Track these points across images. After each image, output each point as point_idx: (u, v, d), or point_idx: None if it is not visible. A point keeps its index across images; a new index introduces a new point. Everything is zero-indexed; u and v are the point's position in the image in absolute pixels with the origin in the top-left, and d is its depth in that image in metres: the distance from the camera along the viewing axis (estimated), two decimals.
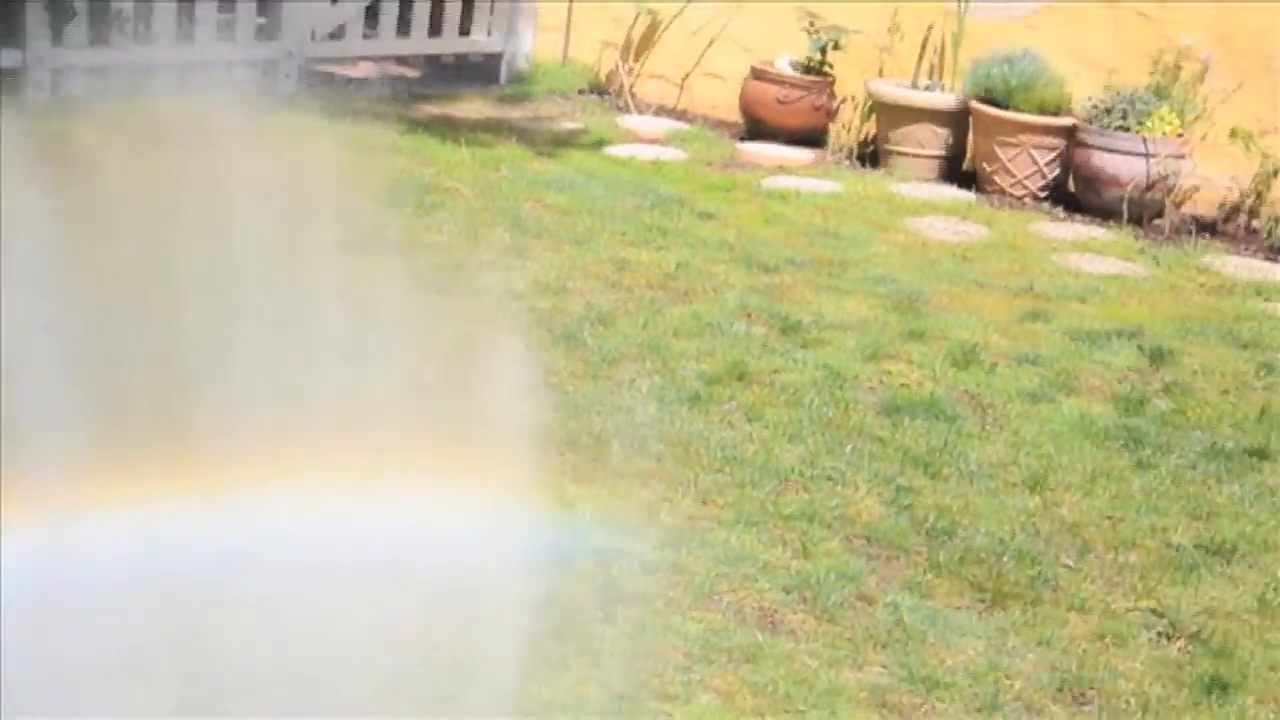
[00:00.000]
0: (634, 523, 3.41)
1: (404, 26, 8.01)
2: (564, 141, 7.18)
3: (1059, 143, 6.80)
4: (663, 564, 3.24)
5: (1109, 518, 3.75)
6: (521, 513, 2.80)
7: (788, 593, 3.23)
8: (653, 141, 7.44)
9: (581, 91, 8.32)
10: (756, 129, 7.55)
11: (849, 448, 3.99)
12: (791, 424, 4.11)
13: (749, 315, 4.99)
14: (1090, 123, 6.66)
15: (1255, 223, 6.60)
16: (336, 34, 7.77)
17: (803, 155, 7.31)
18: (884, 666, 3.00)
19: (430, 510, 2.57)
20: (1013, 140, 6.80)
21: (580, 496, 3.49)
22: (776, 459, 3.88)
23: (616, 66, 8.29)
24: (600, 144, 7.19)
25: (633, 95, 8.16)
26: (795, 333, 4.86)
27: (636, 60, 8.34)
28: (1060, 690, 2.97)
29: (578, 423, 3.90)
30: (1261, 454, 4.15)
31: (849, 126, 7.45)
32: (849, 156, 7.33)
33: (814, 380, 4.45)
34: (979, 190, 6.94)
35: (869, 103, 7.38)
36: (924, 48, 7.45)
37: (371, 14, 7.90)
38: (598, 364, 4.39)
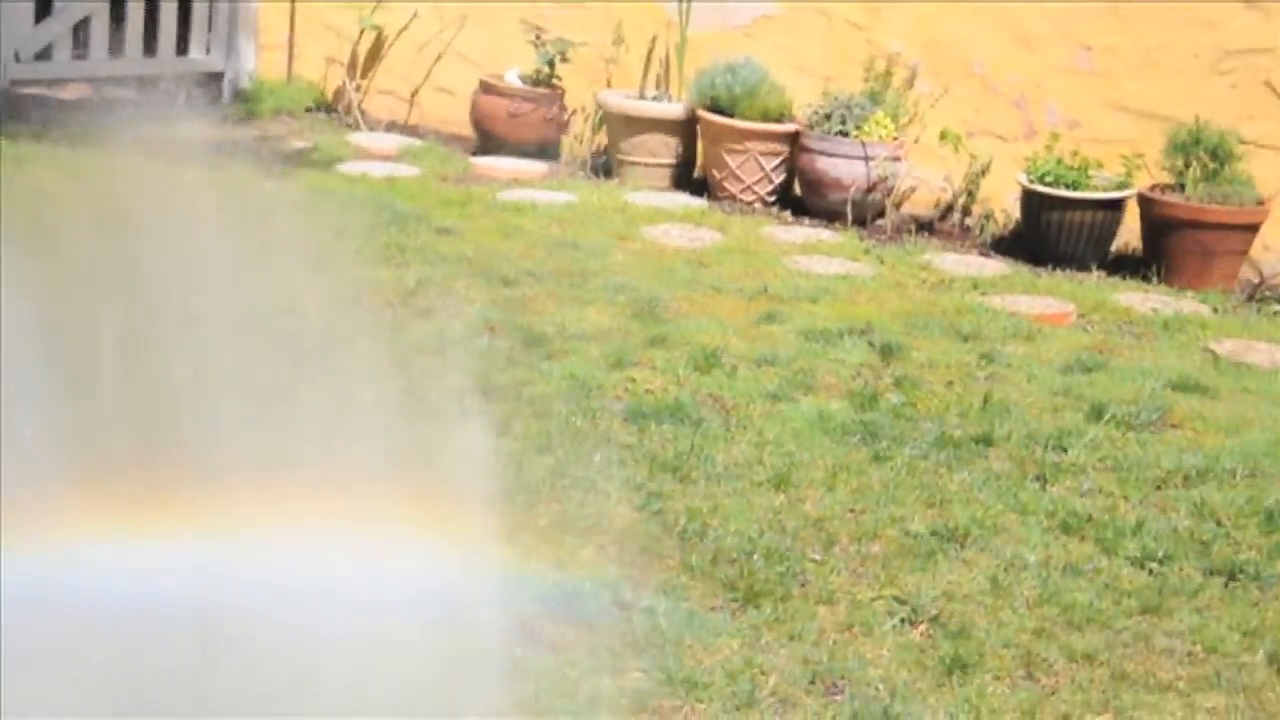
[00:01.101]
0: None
1: (117, 47, 7.71)
2: (294, 161, 7.03)
3: (783, 149, 7.01)
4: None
5: (851, 510, 3.87)
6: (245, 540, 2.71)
7: (545, 604, 3.23)
8: (385, 158, 7.35)
9: (309, 109, 8.17)
10: (489, 143, 7.54)
11: (598, 456, 4.02)
12: (540, 435, 4.12)
13: (492, 329, 4.98)
14: (811, 128, 6.90)
15: (968, 220, 6.95)
16: (43, 55, 7.42)
17: (537, 167, 7.34)
18: (643, 671, 3.04)
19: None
20: (740, 147, 6.98)
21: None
22: (527, 471, 3.88)
23: (344, 83, 8.17)
24: (331, 162, 7.07)
25: (362, 112, 8.05)
26: (539, 345, 4.88)
27: (364, 77, 8.23)
28: (813, 682, 3.06)
29: (320, 449, 3.81)
30: (987, 441, 4.37)
31: (581, 138, 7.53)
32: (583, 167, 7.40)
33: (560, 391, 4.48)
34: (710, 197, 7.10)
35: (599, 114, 7.46)
36: (649, 58, 7.58)
37: (81, 34, 7.58)
38: (338, 385, 4.30)
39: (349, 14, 8.08)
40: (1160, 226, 6.32)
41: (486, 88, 7.58)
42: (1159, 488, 4.15)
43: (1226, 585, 3.59)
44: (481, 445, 3.99)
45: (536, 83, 7.55)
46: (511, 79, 7.57)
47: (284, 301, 4.94)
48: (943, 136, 6.82)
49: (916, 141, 6.94)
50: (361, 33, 8.16)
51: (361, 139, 7.70)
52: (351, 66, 8.19)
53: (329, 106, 8.22)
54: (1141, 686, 3.12)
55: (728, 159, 7.02)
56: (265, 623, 2.57)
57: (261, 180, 6.45)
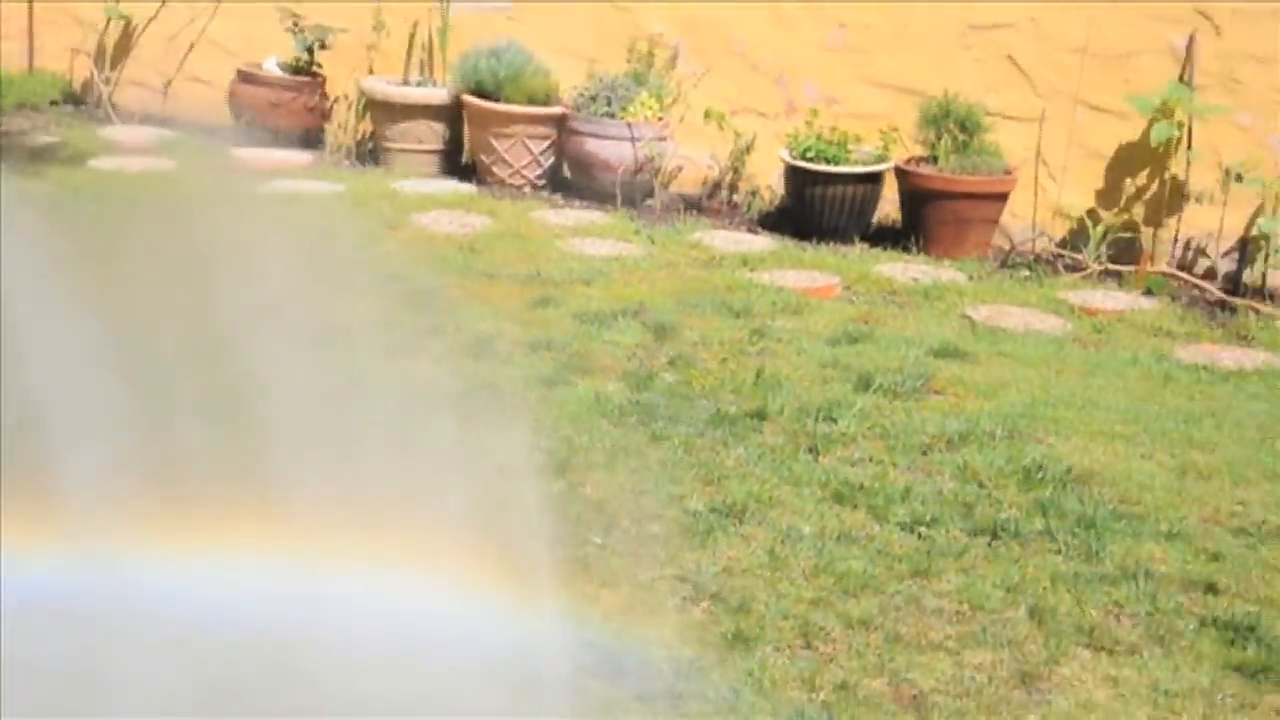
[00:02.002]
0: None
1: None
2: (40, 157, 6.72)
3: (551, 132, 7.01)
4: None
5: (630, 492, 3.90)
6: None
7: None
8: (140, 152, 7.08)
9: (55, 103, 7.82)
10: (249, 133, 7.34)
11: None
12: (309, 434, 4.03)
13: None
14: (578, 111, 6.91)
15: (735, 197, 7.06)
16: None
17: (301, 157, 7.17)
18: None
19: None
20: (507, 131, 6.95)
21: None
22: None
23: (91, 75, 7.84)
24: (81, 158, 6.78)
25: (113, 105, 7.74)
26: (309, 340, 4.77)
27: (113, 68, 7.91)
28: (599, 666, 3.07)
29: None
30: (760, 415, 4.45)
31: (345, 126, 7.39)
32: (348, 156, 7.27)
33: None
34: (479, 182, 7.05)
35: (362, 101, 7.34)
36: (411, 44, 7.48)
37: None
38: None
39: (94, 3, 7.75)
40: (917, 198, 6.54)
41: (245, 77, 7.37)
42: (924, 453, 4.29)
43: (990, 544, 3.74)
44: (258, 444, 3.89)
45: (296, 71, 7.37)
46: (270, 67, 7.38)
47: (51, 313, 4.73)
48: (707, 115, 6.92)
49: (682, 121, 7.02)
50: (108, 22, 7.84)
51: (113, 133, 7.40)
52: (99, 57, 7.87)
53: (77, 100, 7.88)
54: (914, 647, 3.23)
55: (495, 143, 6.98)
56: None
57: (4, 178, 6.14)
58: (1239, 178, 6.31)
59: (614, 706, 2.95)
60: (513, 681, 2.99)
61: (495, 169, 7.02)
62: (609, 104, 6.85)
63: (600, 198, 6.89)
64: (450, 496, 3.76)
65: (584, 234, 6.42)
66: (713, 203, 7.09)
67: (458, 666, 2.97)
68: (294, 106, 7.30)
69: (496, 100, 6.94)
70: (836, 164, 6.51)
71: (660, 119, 6.89)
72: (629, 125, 6.80)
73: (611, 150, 6.83)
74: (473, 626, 3.14)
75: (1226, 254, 6.50)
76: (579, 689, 3.00)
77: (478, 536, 3.57)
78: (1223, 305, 6.14)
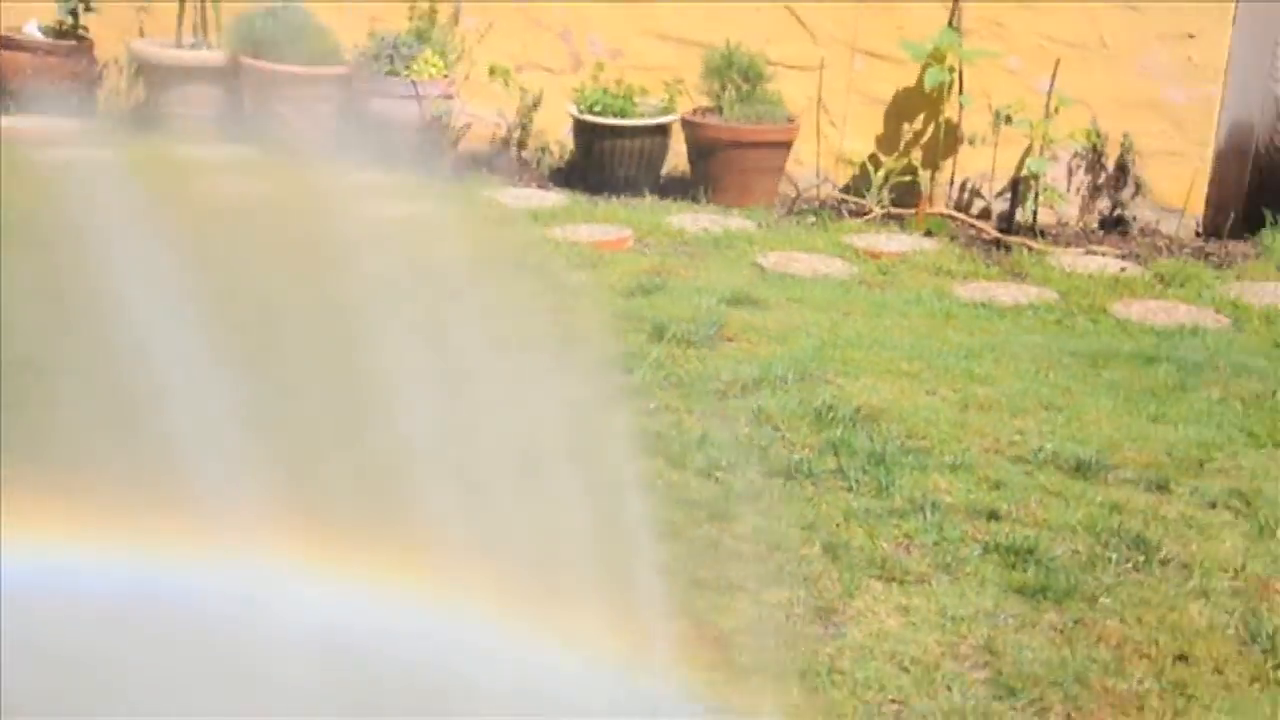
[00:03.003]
0: None
1: None
2: None
3: (334, 93, 6.87)
4: None
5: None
6: None
7: None
8: None
9: None
10: (13, 100, 7.01)
11: None
12: None
13: None
14: (361, 71, 6.79)
15: (525, 154, 7.04)
16: None
17: (70, 125, 6.88)
18: None
19: None
20: (288, 94, 6.79)
21: None
22: None
23: None
24: None
25: None
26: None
27: None
28: None
29: None
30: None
31: (118, 91, 7.12)
32: (123, 123, 7.00)
33: None
34: (261, 146, 6.87)
35: (134, 65, 7.08)
36: (183, 4, 7.23)
37: None
38: None
39: None
40: (704, 149, 6.61)
41: (4, 42, 7.03)
42: (719, 400, 4.37)
43: (785, 485, 3.83)
44: None
45: (60, 35, 7.07)
46: (31, 31, 7.06)
47: None
48: (492, 72, 6.87)
49: (468, 79, 6.95)
50: None
51: None
52: None
53: None
54: (713, 589, 3.29)
55: (276, 106, 6.81)
56: None
57: None
58: (1009, 120, 6.54)
59: None
60: None
61: (274, 131, 6.85)
62: (392, 62, 6.75)
63: (388, 158, 6.78)
64: None
65: (372, 195, 6.33)
66: (502, 160, 7.05)
67: None
68: (61, 72, 7.00)
69: (276, 61, 6.77)
70: (623, 117, 6.55)
71: (445, 77, 6.82)
72: (414, 84, 6.71)
73: (397, 110, 6.73)
74: None
75: (1000, 194, 6.75)
76: None
77: None
78: (998, 243, 6.38)
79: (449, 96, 6.82)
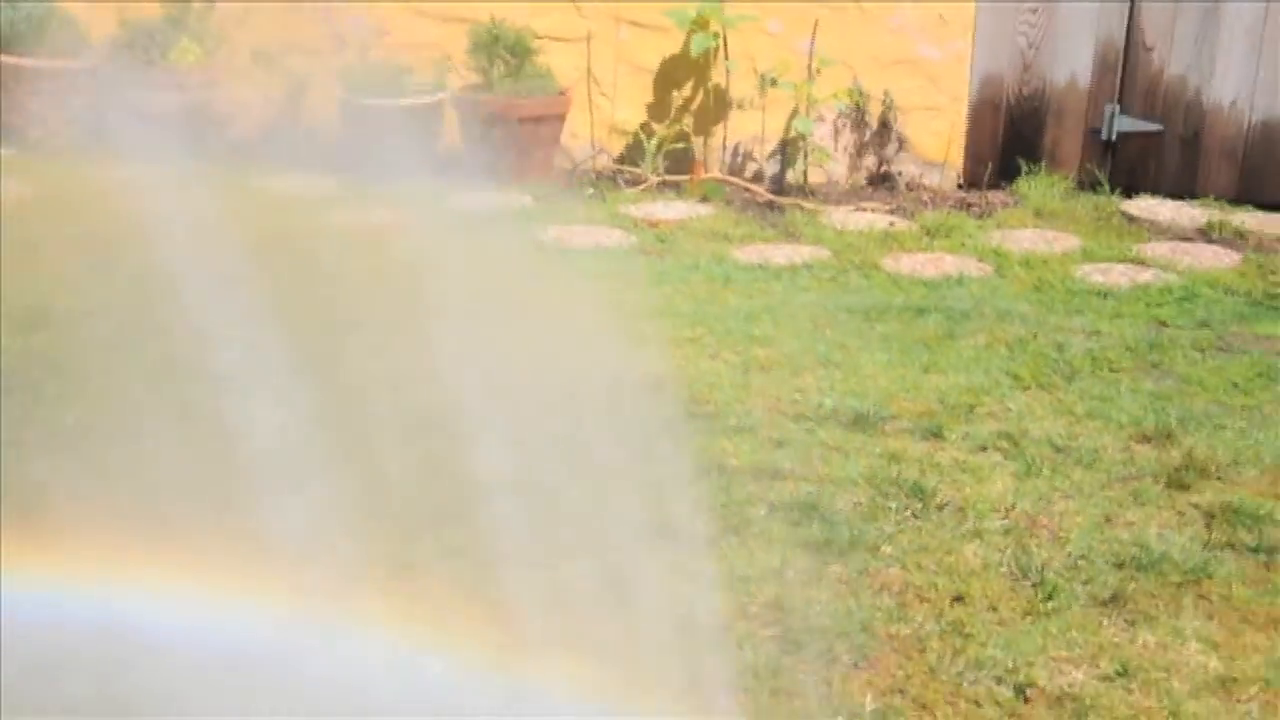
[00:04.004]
0: None
1: None
2: None
3: (86, 85, 6.60)
4: None
5: None
6: None
7: None
8: None
9: None
10: None
11: None
12: None
13: None
14: (114, 61, 6.54)
15: (294, 139, 6.88)
16: None
17: None
18: None
19: None
20: (36, 88, 6.51)
21: None
22: None
23: None
24: None
25: None
26: None
27: None
28: None
29: None
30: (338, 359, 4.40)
31: None
32: None
33: None
34: (13, 145, 6.58)
35: None
36: None
37: None
38: None
39: None
40: (477, 125, 6.57)
41: None
42: None
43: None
44: None
45: None
46: None
47: None
48: (255, 57, 6.70)
49: (230, 65, 6.77)
50: None
51: None
52: None
53: None
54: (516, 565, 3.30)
55: (25, 102, 6.52)
56: None
57: None
58: (774, 82, 6.67)
59: None
60: None
61: (29, 129, 6.57)
62: (147, 51, 6.52)
63: (150, 151, 6.56)
64: None
65: (137, 191, 6.12)
66: (271, 147, 6.89)
67: None
68: None
69: (19, 54, 6.48)
70: (393, 97, 6.46)
71: (205, 64, 6.62)
72: (171, 73, 6.50)
73: (156, 100, 6.50)
74: None
75: (770, 156, 6.89)
76: None
77: None
78: (771, 205, 6.51)
79: (211, 84, 6.62)
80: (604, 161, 6.84)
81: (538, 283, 5.23)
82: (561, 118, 6.69)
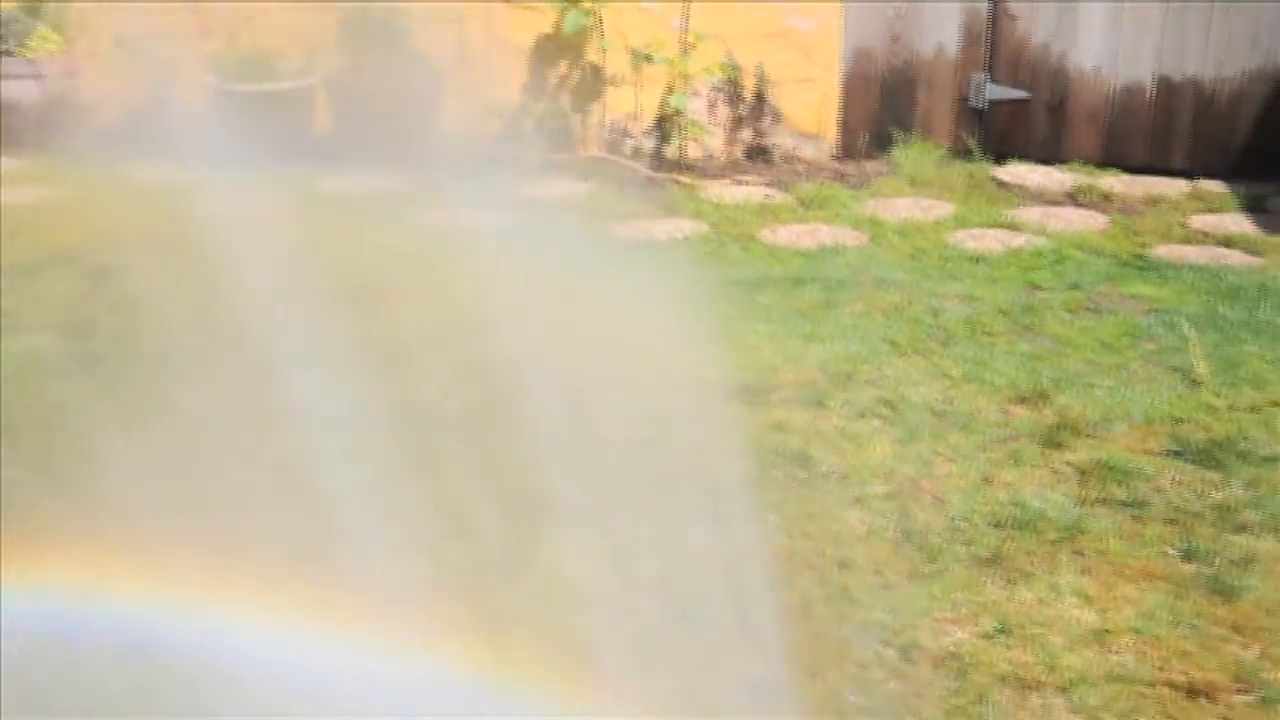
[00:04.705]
0: None
1: None
2: None
3: None
4: None
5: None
6: None
7: None
8: None
9: None
10: None
11: None
12: None
13: None
14: None
15: (164, 127, 6.74)
16: None
17: None
18: None
19: None
20: None
21: None
22: None
23: None
24: None
25: None
26: None
27: None
28: None
29: None
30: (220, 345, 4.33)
31: None
32: None
33: None
34: None
35: None
36: None
37: None
38: None
39: None
40: (349, 109, 6.49)
41: None
42: None
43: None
44: None
45: None
46: None
47: None
48: (118, 44, 6.55)
49: (93, 54, 6.61)
50: None
51: None
52: None
53: None
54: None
55: None
56: None
57: None
58: (648, 59, 6.68)
59: None
60: None
61: None
62: (4, 41, 6.34)
63: (11, 141, 6.40)
64: None
65: (13, 183, 5.96)
66: (139, 136, 6.74)
67: None
68: None
69: None
70: (263, 82, 6.36)
71: (66, 53, 6.46)
72: (30, 62, 6.33)
73: (15, 90, 6.35)
74: None
75: (648, 133, 6.89)
76: None
77: None
78: (650, 181, 6.53)
79: (72, 73, 6.46)
80: (482, 142, 6.79)
81: (408, 266, 5.18)
82: (434, 99, 6.63)
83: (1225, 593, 3.18)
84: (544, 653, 2.87)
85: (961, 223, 6.03)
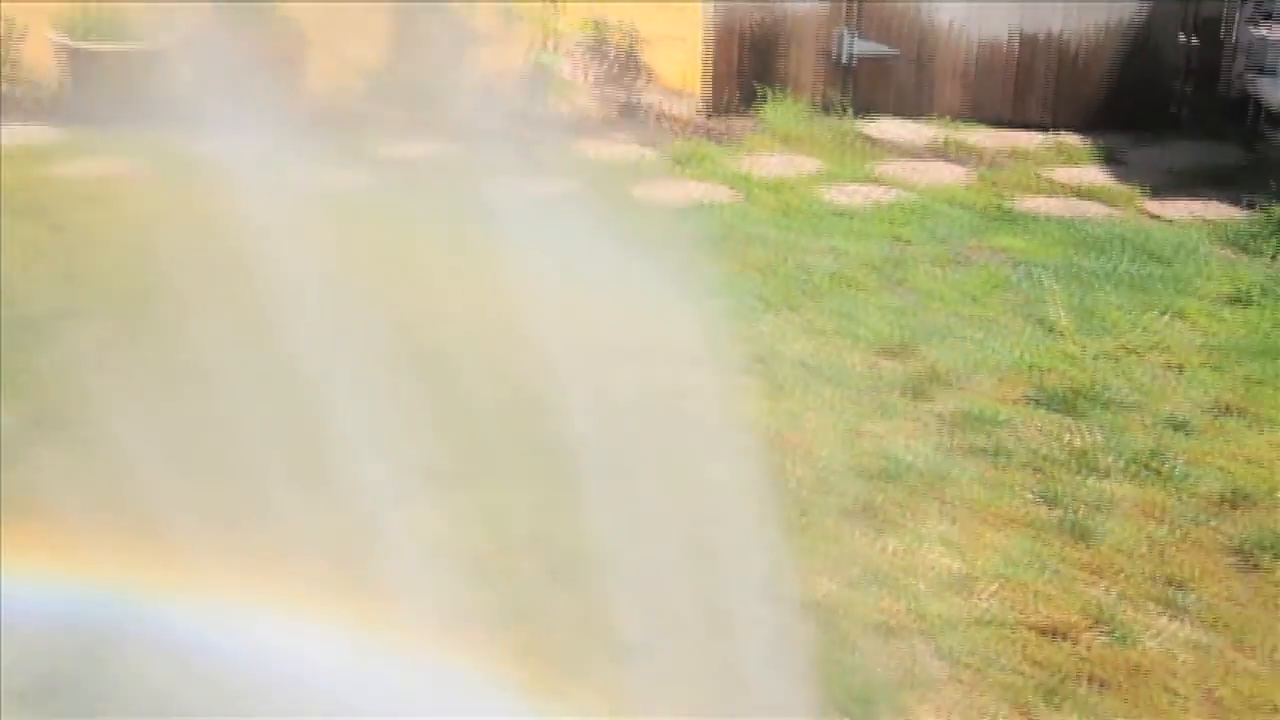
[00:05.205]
0: None
1: None
2: None
3: None
4: None
5: None
6: None
7: None
8: None
9: None
10: None
11: None
12: None
13: None
14: None
15: (11, 88, 6.53)
16: None
17: None
18: None
19: None
20: None
21: None
22: None
23: None
24: None
25: None
26: None
27: None
28: None
29: None
30: (70, 314, 4.22)
31: None
32: None
33: None
34: None
35: None
36: None
37: None
38: None
39: None
40: (209, 67, 6.33)
41: None
42: None
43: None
44: None
45: None
46: None
47: None
48: None
49: None
50: None
51: None
52: None
53: None
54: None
55: None
56: None
57: None
58: (518, 16, 6.61)
59: None
60: None
61: None
62: None
63: None
64: None
65: None
66: None
67: None
68: None
69: None
70: (116, 42, 6.17)
71: None
72: None
73: None
74: None
75: (518, 90, 6.83)
76: None
77: None
78: (521, 140, 6.47)
79: None
80: (348, 102, 6.67)
81: (277, 229, 5.08)
82: (297, 58, 6.50)
83: (1083, 536, 3.26)
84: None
85: (830, 178, 6.08)
